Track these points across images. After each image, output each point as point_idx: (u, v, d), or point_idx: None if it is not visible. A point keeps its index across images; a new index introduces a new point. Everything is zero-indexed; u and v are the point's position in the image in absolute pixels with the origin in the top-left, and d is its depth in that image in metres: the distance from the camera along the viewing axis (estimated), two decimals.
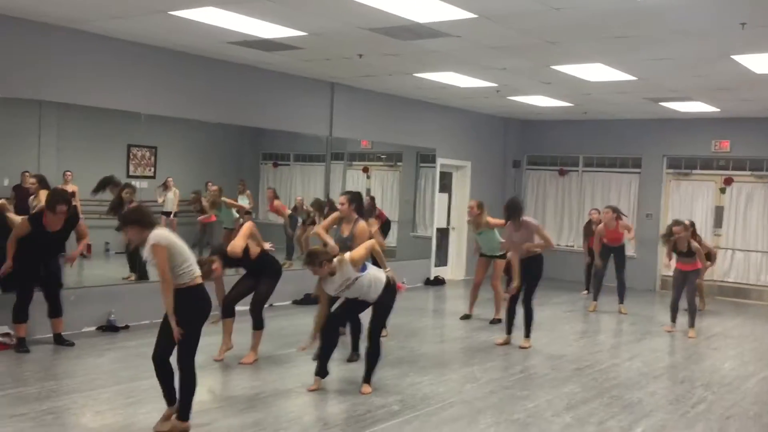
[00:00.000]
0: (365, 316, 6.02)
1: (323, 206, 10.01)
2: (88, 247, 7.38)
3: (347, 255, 5.49)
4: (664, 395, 6.20)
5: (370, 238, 6.25)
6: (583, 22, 6.31)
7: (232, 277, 6.74)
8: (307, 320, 8.65)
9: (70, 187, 7.16)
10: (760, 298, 12.11)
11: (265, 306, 6.60)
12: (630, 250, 11.12)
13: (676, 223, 8.80)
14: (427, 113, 12.22)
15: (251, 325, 6.51)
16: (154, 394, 5.44)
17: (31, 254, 6.51)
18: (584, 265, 11.82)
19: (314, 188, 10.93)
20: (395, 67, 8.91)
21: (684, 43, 6.92)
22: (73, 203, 6.80)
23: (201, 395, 5.46)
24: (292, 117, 9.96)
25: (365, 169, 12.25)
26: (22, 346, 6.52)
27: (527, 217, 7.70)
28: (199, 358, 6.31)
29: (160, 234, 4.43)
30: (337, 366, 6.19)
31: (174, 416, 4.63)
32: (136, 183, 8.45)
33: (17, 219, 6.62)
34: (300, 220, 10.55)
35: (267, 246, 6.67)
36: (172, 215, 9.07)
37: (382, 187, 12.52)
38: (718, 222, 12.51)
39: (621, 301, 10.29)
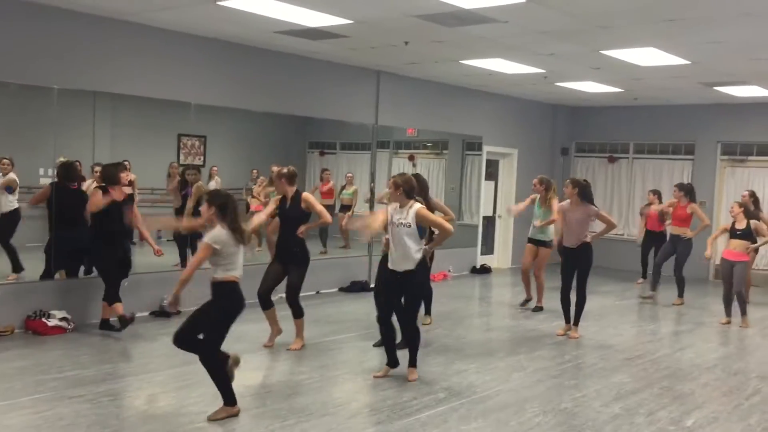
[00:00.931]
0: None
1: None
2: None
3: (422, 207, 5.62)
4: (716, 386, 6.06)
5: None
6: (636, 5, 6.16)
7: (258, 266, 6.78)
8: (353, 307, 8.78)
9: (129, 176, 7.36)
10: None
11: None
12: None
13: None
14: (474, 100, 12.12)
15: (291, 314, 6.59)
16: (205, 379, 5.57)
17: (113, 234, 6.75)
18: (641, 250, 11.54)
19: (360, 177, 10.97)
20: (441, 54, 8.86)
21: (742, 26, 6.70)
22: (132, 192, 7.06)
23: (252, 380, 5.57)
24: (338, 105, 10.00)
25: (411, 157, 12.22)
26: (124, 323, 6.74)
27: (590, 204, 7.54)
28: (247, 345, 6.47)
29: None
30: (382, 353, 6.19)
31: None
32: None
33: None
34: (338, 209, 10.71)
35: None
36: None
37: (428, 175, 12.46)
38: None
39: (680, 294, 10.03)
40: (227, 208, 4.67)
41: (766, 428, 5.05)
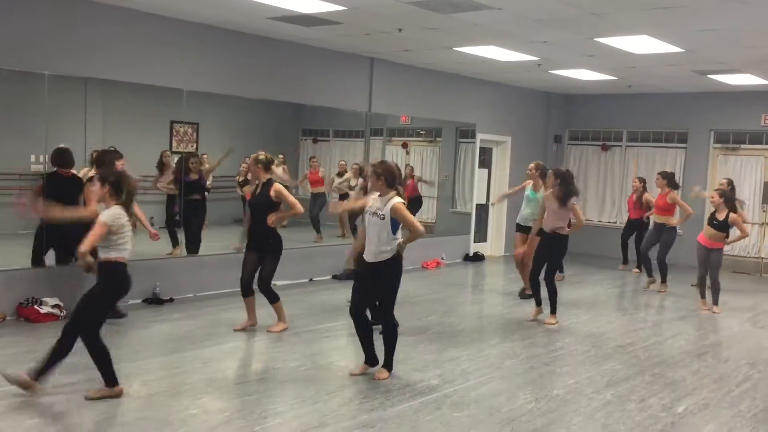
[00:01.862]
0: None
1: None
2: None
3: (401, 201, 5.36)
4: (707, 373, 6.11)
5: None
6: None
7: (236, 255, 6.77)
8: (346, 295, 8.75)
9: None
10: None
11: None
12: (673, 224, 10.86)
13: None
14: (467, 88, 12.09)
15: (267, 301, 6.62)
16: (198, 365, 5.58)
17: None
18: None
19: (353, 164, 10.95)
20: (435, 41, 8.82)
21: (735, 13, 6.69)
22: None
23: (244, 367, 5.58)
24: (332, 93, 9.96)
25: (404, 145, 12.21)
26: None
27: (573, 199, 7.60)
28: (241, 332, 6.46)
29: None
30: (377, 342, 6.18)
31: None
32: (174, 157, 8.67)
33: None
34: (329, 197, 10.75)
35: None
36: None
37: (422, 162, 12.48)
38: (767, 198, 12.17)
39: (663, 281, 10.10)
40: (121, 186, 4.67)
41: (756, 414, 5.10)
